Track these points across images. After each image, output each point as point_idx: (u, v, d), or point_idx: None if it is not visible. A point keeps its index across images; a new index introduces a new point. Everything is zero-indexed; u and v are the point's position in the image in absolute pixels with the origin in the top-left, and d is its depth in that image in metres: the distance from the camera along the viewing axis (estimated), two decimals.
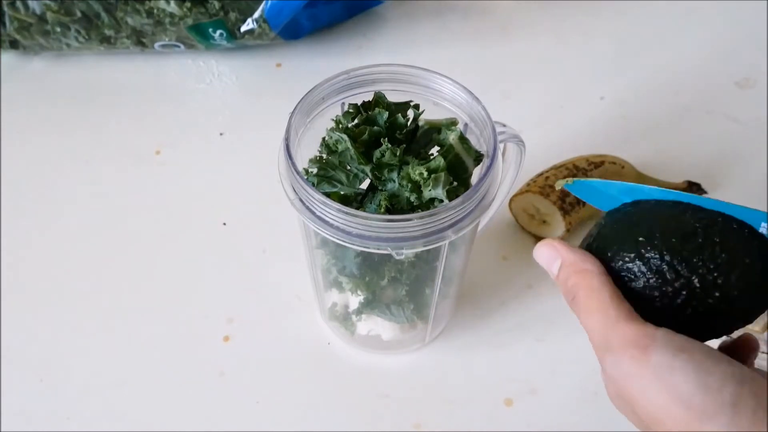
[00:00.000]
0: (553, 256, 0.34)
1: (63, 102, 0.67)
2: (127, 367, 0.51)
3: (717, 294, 0.31)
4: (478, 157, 0.42)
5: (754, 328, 0.47)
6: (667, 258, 0.31)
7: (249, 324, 0.53)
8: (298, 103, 0.41)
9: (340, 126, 0.41)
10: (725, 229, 0.32)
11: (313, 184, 0.40)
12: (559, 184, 0.37)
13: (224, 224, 0.58)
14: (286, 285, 0.55)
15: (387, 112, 0.41)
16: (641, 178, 0.58)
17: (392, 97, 0.43)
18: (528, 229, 0.57)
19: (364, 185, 0.42)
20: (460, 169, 0.41)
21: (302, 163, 0.42)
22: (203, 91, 0.68)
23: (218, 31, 0.66)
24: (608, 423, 0.47)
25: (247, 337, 0.52)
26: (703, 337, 0.32)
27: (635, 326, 0.30)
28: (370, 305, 0.46)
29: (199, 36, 0.66)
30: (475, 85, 0.43)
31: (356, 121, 0.42)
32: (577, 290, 0.32)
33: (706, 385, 0.28)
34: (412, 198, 0.40)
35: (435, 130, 0.43)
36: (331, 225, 0.38)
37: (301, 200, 0.39)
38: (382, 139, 0.40)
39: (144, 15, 0.64)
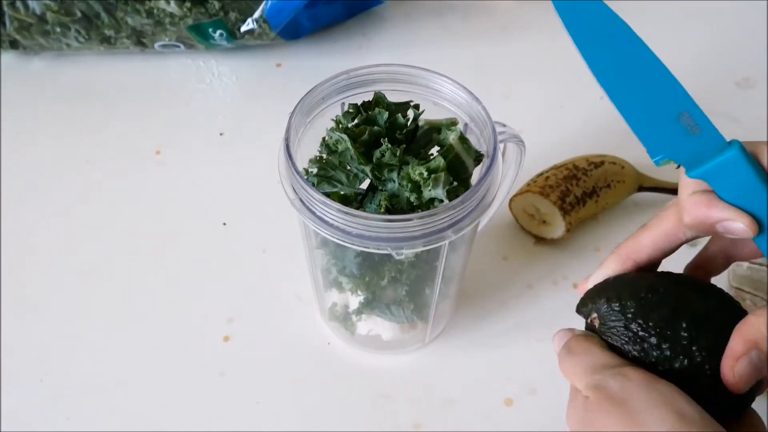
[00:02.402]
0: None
1: (63, 102, 0.67)
2: (127, 367, 0.51)
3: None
4: (478, 157, 0.42)
5: None
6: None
7: (249, 324, 0.53)
8: (298, 103, 0.41)
9: (340, 126, 0.41)
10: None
11: (313, 184, 0.40)
12: None
13: (224, 224, 0.58)
14: (286, 285, 0.55)
15: (387, 112, 0.41)
16: (641, 178, 0.58)
17: (392, 97, 0.43)
18: (528, 229, 0.57)
19: (364, 185, 0.42)
20: (460, 169, 0.41)
21: (302, 163, 0.42)
22: (203, 91, 0.68)
23: (218, 31, 0.66)
24: None
25: (247, 337, 0.52)
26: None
27: None
28: (370, 305, 0.46)
29: (199, 36, 0.66)
30: (475, 85, 0.43)
31: (356, 121, 0.42)
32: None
33: None
34: (412, 198, 0.40)
35: (435, 130, 0.43)
36: (331, 225, 0.38)
37: (301, 200, 0.39)
38: (382, 139, 0.40)
39: (144, 15, 0.64)
